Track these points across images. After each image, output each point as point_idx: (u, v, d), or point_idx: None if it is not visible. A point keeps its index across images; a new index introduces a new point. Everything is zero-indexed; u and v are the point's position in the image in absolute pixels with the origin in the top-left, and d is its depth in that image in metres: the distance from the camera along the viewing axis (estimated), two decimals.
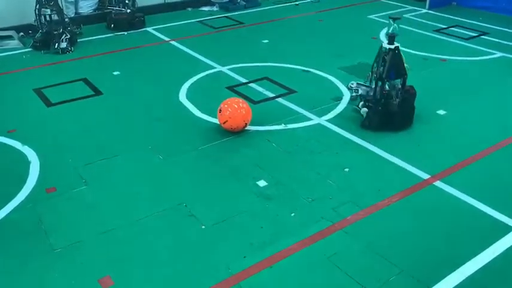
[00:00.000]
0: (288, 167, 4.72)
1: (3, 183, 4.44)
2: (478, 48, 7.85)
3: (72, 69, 6.95)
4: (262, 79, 6.61)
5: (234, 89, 6.33)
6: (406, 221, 4.03)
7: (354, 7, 10.21)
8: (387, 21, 8.89)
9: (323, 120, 5.58)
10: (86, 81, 6.56)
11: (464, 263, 3.58)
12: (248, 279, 3.44)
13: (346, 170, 4.68)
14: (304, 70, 6.95)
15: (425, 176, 4.57)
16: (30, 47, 7.71)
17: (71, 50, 7.56)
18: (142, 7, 9.09)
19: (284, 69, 6.99)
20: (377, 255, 3.65)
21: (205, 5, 10.12)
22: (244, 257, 3.62)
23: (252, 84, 6.47)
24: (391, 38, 5.10)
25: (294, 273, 3.50)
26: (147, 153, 4.93)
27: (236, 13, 9.77)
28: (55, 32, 7.52)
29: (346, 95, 6.05)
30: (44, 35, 7.61)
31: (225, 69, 6.98)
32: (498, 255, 3.67)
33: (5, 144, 5.07)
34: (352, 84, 5.60)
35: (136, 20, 8.71)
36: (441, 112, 5.79)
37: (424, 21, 9.28)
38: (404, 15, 9.58)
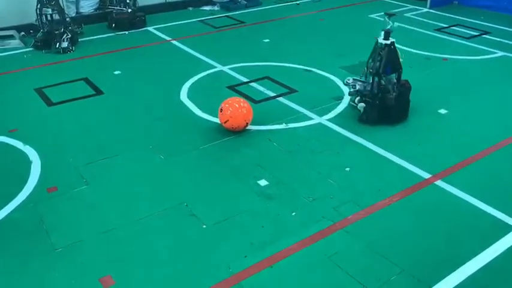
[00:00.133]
0: (289, 167, 4.72)
1: (4, 183, 4.45)
2: (479, 47, 7.84)
3: (73, 68, 6.96)
4: (263, 78, 6.61)
5: (235, 88, 6.33)
6: (407, 221, 4.02)
7: (355, 6, 10.20)
8: (387, 21, 8.91)
9: (324, 119, 5.58)
10: (87, 80, 6.56)
11: (465, 263, 3.58)
12: (249, 278, 3.44)
13: (347, 169, 4.67)
14: (305, 69, 6.95)
15: (426, 176, 4.57)
16: (31, 47, 7.72)
17: (72, 50, 7.56)
18: (143, 6, 9.10)
19: (285, 68, 6.99)
20: (378, 255, 3.65)
21: (206, 4, 10.13)
22: (245, 256, 3.63)
23: (253, 84, 6.47)
24: (386, 34, 5.21)
25: (294, 272, 3.50)
26: (148, 153, 4.93)
27: (237, 12, 9.77)
28: (56, 32, 7.53)
29: (347, 95, 6.04)
30: (45, 35, 7.62)
31: (226, 68, 6.98)
32: (499, 255, 3.66)
33: (6, 143, 5.08)
34: (349, 80, 5.65)
35: (137, 19, 8.72)
36: (442, 111, 5.79)
37: (425, 20, 9.26)
38: (405, 14, 9.58)
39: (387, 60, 5.22)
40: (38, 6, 7.54)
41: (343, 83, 5.80)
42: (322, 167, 4.70)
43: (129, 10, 8.64)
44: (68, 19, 7.87)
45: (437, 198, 4.30)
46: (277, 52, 7.59)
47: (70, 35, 7.60)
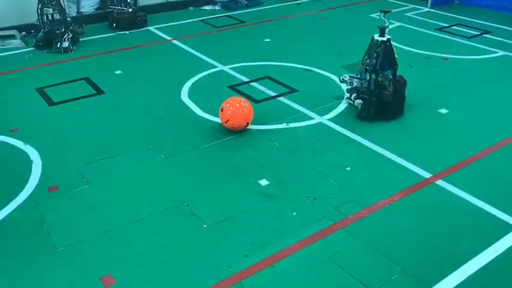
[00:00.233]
0: (290, 166, 4.72)
1: (5, 183, 4.46)
2: (480, 47, 7.83)
3: (74, 68, 6.96)
4: (263, 78, 6.61)
5: (236, 88, 6.33)
6: (408, 220, 4.02)
7: (356, 6, 10.19)
8: (388, 20, 8.91)
9: (325, 119, 5.58)
10: (88, 80, 6.57)
11: (466, 262, 3.58)
12: (250, 278, 3.44)
13: (348, 168, 4.67)
14: (306, 69, 6.95)
15: (427, 175, 4.56)
16: (32, 47, 7.72)
17: (73, 50, 7.57)
18: (144, 6, 9.11)
19: (286, 68, 6.99)
20: (379, 254, 3.65)
21: (207, 4, 10.13)
22: (246, 256, 3.63)
23: (254, 83, 6.47)
24: (381, 31, 5.27)
25: (295, 272, 3.50)
26: (149, 153, 4.93)
27: (238, 12, 9.77)
28: (57, 32, 7.54)
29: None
30: (46, 35, 7.63)
31: (226, 68, 6.98)
32: (500, 254, 3.66)
33: (7, 143, 5.09)
34: (345, 77, 5.69)
35: (138, 19, 8.72)
36: (443, 111, 5.78)
37: (426, 19, 9.26)
38: (406, 14, 9.58)
39: (383, 57, 5.29)
40: (39, 6, 7.55)
41: (339, 80, 5.82)
42: (322, 167, 4.70)
43: (130, 10, 8.65)
44: (68, 19, 7.88)
45: (438, 197, 4.30)
46: (277, 52, 7.59)
47: (71, 35, 7.61)
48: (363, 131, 5.30)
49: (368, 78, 5.42)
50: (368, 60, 5.38)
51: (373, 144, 5.06)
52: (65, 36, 7.53)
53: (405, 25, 8.84)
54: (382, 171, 4.66)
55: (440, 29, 8.68)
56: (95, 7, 9.14)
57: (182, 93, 6.19)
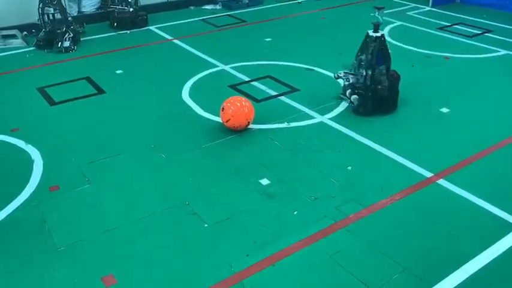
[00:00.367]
0: (291, 166, 4.71)
1: (6, 182, 4.46)
2: (482, 46, 7.81)
3: (75, 68, 6.97)
4: (264, 77, 6.61)
5: (237, 87, 6.33)
6: (409, 219, 4.02)
7: (357, 5, 10.18)
8: (390, 19, 8.92)
9: (326, 118, 5.58)
10: (89, 80, 6.57)
11: (467, 262, 3.57)
12: (250, 277, 3.44)
13: (349, 168, 4.67)
14: (307, 68, 6.95)
15: (428, 174, 4.56)
16: (33, 46, 7.73)
17: (74, 49, 7.57)
18: (145, 5, 9.11)
19: (287, 67, 6.98)
20: (379, 254, 3.64)
21: (208, 3, 10.13)
22: (247, 255, 3.63)
23: (255, 83, 6.47)
24: (375, 27, 5.41)
25: (296, 271, 3.50)
26: (150, 152, 4.93)
27: (239, 11, 9.77)
28: (58, 31, 7.54)
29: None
30: (47, 34, 7.63)
31: (227, 67, 6.97)
32: (501, 254, 3.65)
33: (8, 143, 5.09)
34: (340, 73, 5.75)
35: (139, 18, 8.72)
36: (444, 110, 5.78)
37: (427, 18, 9.24)
38: (407, 13, 9.56)
39: (378, 52, 5.39)
40: (40, 5, 7.55)
41: (334, 76, 5.84)
42: (323, 166, 4.69)
43: (131, 9, 8.65)
44: (70, 18, 7.89)
45: (439, 197, 4.29)
46: (278, 51, 7.59)
47: (72, 35, 7.61)
48: (363, 130, 5.30)
49: (364, 73, 5.50)
50: (363, 56, 5.47)
51: (373, 144, 5.06)
52: (66, 35, 7.53)
53: (406, 24, 8.83)
54: (383, 170, 4.66)
55: (442, 28, 8.67)
56: (95, 7, 9.14)
57: (183, 92, 6.19)
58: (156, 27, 8.74)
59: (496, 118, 5.60)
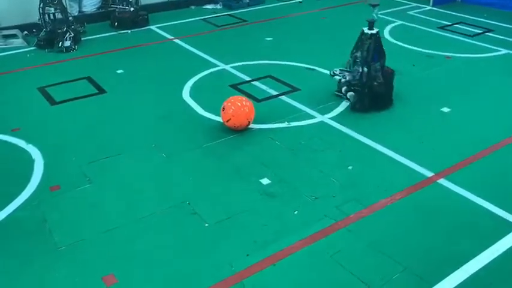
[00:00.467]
0: (291, 165, 4.71)
1: (7, 182, 4.46)
2: (482, 45, 7.80)
3: (76, 67, 6.97)
4: (265, 77, 6.61)
5: (238, 87, 6.33)
6: (410, 219, 4.02)
7: (357, 4, 10.16)
8: (391, 19, 8.91)
9: (326, 118, 5.57)
10: (89, 79, 6.58)
11: (467, 261, 3.57)
12: (251, 277, 3.44)
13: (350, 167, 4.67)
14: (307, 68, 6.94)
15: (429, 174, 4.56)
16: (34, 46, 7.74)
17: (74, 49, 7.58)
18: (145, 5, 9.11)
19: (287, 67, 6.98)
20: (380, 253, 3.64)
21: (209, 2, 10.13)
22: (247, 255, 3.63)
23: (256, 82, 6.47)
24: (370, 24, 5.45)
25: (297, 271, 3.50)
26: (151, 152, 4.94)
27: (239, 11, 9.77)
28: (59, 31, 7.55)
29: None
30: (48, 34, 7.64)
31: (228, 67, 6.97)
32: (502, 253, 3.65)
33: (9, 142, 5.10)
34: (336, 70, 5.78)
35: (140, 18, 8.72)
36: (445, 109, 5.77)
37: (428, 18, 9.23)
38: (408, 12, 9.55)
39: (374, 49, 5.45)
40: (41, 5, 7.56)
41: (330, 74, 5.84)
42: (324, 166, 4.69)
43: (132, 9, 8.65)
44: (70, 18, 7.89)
45: (440, 196, 4.29)
46: (279, 50, 7.59)
47: (73, 34, 7.62)
48: (364, 129, 5.29)
49: (360, 70, 5.54)
50: (358, 53, 5.52)
51: (374, 143, 5.05)
52: (67, 35, 7.54)
53: (407, 23, 8.82)
54: (384, 170, 4.65)
55: (443, 27, 8.66)
56: (96, 6, 9.14)
57: (184, 92, 6.19)
58: (157, 27, 8.74)
59: (497, 118, 5.59)
